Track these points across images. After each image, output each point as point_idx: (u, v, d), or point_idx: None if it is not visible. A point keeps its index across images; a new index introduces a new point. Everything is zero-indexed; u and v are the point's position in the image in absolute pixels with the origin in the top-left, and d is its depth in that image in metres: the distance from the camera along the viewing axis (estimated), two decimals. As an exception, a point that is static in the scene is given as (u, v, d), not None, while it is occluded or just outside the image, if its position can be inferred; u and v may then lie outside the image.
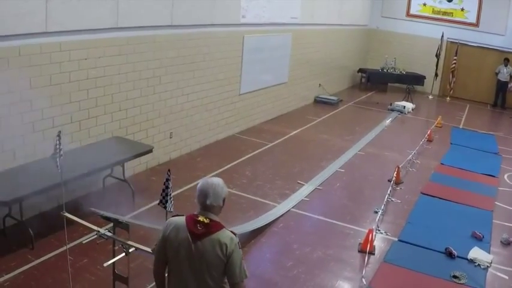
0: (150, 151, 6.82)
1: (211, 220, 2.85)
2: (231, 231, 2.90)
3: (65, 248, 4.62)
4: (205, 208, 2.89)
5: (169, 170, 3.76)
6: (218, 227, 2.87)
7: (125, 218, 4.14)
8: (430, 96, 16.55)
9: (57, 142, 3.64)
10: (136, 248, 3.71)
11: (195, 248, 2.82)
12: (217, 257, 2.81)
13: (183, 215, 2.95)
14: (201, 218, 2.85)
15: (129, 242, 3.74)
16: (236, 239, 2.88)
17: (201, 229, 2.83)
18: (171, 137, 8.03)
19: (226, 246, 2.81)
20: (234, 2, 9.03)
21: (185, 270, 2.86)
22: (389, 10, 17.31)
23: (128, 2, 6.53)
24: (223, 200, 2.95)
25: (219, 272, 2.85)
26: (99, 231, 3.85)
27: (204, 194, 2.88)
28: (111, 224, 3.94)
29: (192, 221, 2.86)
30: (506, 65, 15.53)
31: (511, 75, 15.54)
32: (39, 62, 5.54)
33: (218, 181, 2.95)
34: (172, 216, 3.00)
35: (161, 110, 7.68)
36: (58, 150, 3.65)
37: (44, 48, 5.57)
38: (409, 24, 17.05)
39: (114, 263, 4.00)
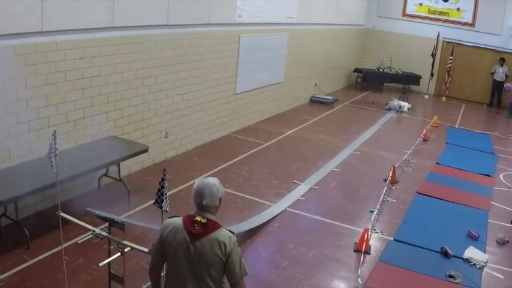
0: (146, 151, 6.82)
1: (208, 220, 2.85)
2: (229, 230, 2.91)
3: (60, 247, 4.61)
4: (202, 208, 2.88)
5: (164, 170, 3.75)
6: (215, 226, 2.87)
7: (120, 218, 4.14)
8: (426, 96, 16.62)
9: (53, 142, 3.63)
10: (132, 248, 3.71)
11: (194, 248, 2.81)
12: (216, 256, 2.81)
13: (179, 216, 2.95)
14: (198, 218, 2.84)
15: (125, 242, 3.74)
16: (234, 238, 2.88)
17: (199, 229, 2.82)
18: (166, 137, 8.03)
19: (225, 245, 2.81)
20: (230, 1, 9.04)
21: (184, 271, 2.85)
22: (385, 10, 17.37)
23: (124, 1, 6.52)
24: (220, 200, 2.95)
25: (219, 272, 2.85)
26: (94, 230, 3.85)
27: (200, 194, 2.87)
28: (107, 224, 3.94)
29: (189, 221, 2.86)
30: (502, 65, 15.58)
31: (507, 75, 15.61)
32: (34, 62, 5.52)
33: (214, 181, 2.95)
34: (169, 218, 2.99)
35: (157, 110, 7.68)
36: (53, 150, 3.65)
37: (40, 48, 5.56)
38: (405, 24, 17.12)
39: (109, 262, 4.00)
